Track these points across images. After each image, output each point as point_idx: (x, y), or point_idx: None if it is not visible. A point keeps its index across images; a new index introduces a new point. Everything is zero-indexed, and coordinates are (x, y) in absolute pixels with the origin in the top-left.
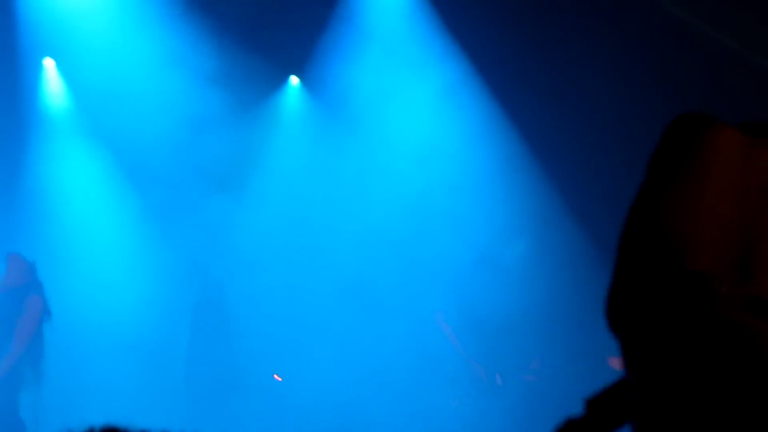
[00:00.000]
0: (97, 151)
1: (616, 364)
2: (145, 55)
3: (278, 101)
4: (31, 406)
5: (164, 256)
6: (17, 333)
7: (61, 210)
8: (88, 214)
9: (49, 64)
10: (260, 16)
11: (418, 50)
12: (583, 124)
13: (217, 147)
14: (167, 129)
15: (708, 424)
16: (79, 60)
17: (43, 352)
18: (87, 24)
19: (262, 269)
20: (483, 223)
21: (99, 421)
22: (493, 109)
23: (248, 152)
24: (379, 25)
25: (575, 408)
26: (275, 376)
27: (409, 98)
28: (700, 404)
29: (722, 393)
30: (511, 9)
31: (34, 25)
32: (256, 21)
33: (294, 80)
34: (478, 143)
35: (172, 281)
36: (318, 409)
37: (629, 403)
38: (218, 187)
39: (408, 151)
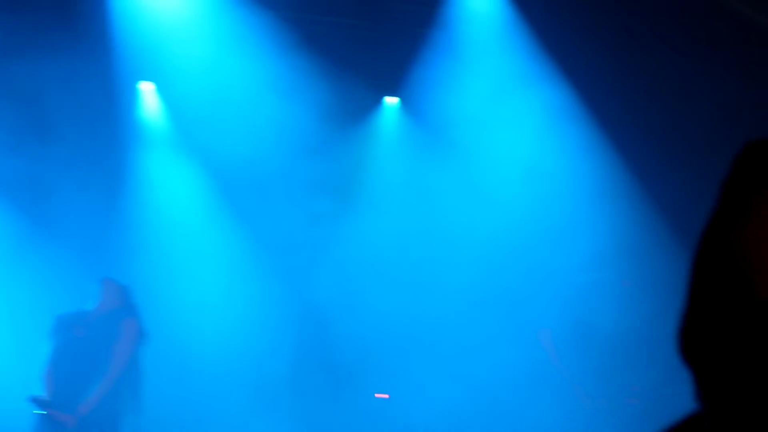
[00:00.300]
0: (196, 174)
1: None
2: (242, 77)
3: (377, 122)
4: (132, 429)
5: (265, 277)
6: (114, 357)
7: (160, 231)
8: (187, 236)
9: (146, 87)
10: (357, 37)
11: (516, 71)
12: (686, 146)
13: (317, 169)
14: (267, 151)
15: None
16: (178, 83)
17: (141, 375)
18: (185, 48)
19: (365, 289)
20: (584, 244)
21: None
22: (594, 131)
23: (347, 173)
24: (477, 46)
25: None
26: (378, 394)
27: (509, 118)
28: None
29: None
30: (612, 31)
31: (132, 49)
32: (353, 42)
33: (392, 101)
34: (578, 165)
35: (273, 303)
36: (424, 427)
37: None
38: (319, 209)
39: (508, 171)
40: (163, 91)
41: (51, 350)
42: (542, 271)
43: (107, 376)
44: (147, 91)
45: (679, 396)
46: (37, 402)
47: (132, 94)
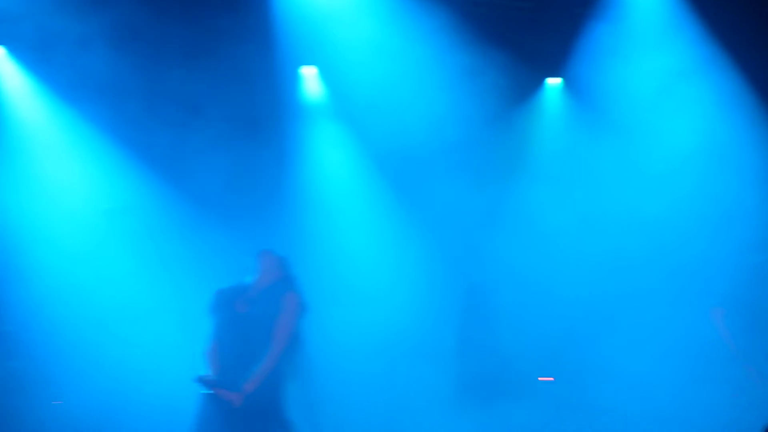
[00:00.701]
0: (359, 155)
1: None
2: (405, 59)
3: (539, 102)
4: (296, 405)
5: (429, 256)
6: (276, 331)
7: (323, 208)
8: (349, 216)
9: (309, 71)
10: (520, 18)
11: (684, 54)
12: None
13: (479, 147)
14: (430, 133)
15: None
16: (339, 66)
17: (303, 349)
18: (347, 32)
19: (530, 269)
20: (753, 226)
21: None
22: (762, 116)
23: (510, 152)
24: (642, 28)
25: None
26: (542, 378)
27: (675, 101)
28: None
29: None
30: None
31: (295, 34)
32: (515, 23)
33: (555, 81)
34: (746, 148)
35: (433, 278)
36: (591, 405)
37: None
38: (479, 187)
39: (675, 153)
40: (326, 74)
41: (213, 327)
42: (711, 251)
43: (271, 352)
44: (310, 76)
45: None
46: (203, 381)
47: (295, 78)
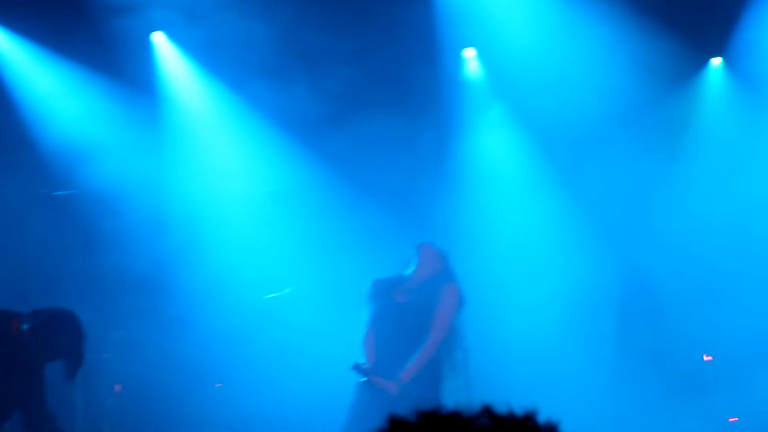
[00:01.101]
0: (519, 138)
1: None
2: (564, 39)
3: (701, 83)
4: (452, 397)
5: (589, 242)
6: (435, 323)
7: (484, 196)
8: (511, 200)
9: (469, 53)
10: None
11: None
12: None
13: (641, 131)
14: (590, 114)
15: None
16: (500, 49)
17: (460, 342)
18: (506, 13)
19: (690, 255)
20: None
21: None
22: None
23: (672, 135)
24: None
25: None
26: (707, 356)
27: None
28: None
29: None
30: None
31: (455, 15)
32: (676, 1)
33: (717, 61)
34: None
35: (598, 269)
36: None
37: None
38: (641, 170)
39: None
40: (485, 56)
41: (369, 316)
42: None
43: (428, 343)
44: (470, 58)
45: None
46: (359, 370)
47: (457, 61)
